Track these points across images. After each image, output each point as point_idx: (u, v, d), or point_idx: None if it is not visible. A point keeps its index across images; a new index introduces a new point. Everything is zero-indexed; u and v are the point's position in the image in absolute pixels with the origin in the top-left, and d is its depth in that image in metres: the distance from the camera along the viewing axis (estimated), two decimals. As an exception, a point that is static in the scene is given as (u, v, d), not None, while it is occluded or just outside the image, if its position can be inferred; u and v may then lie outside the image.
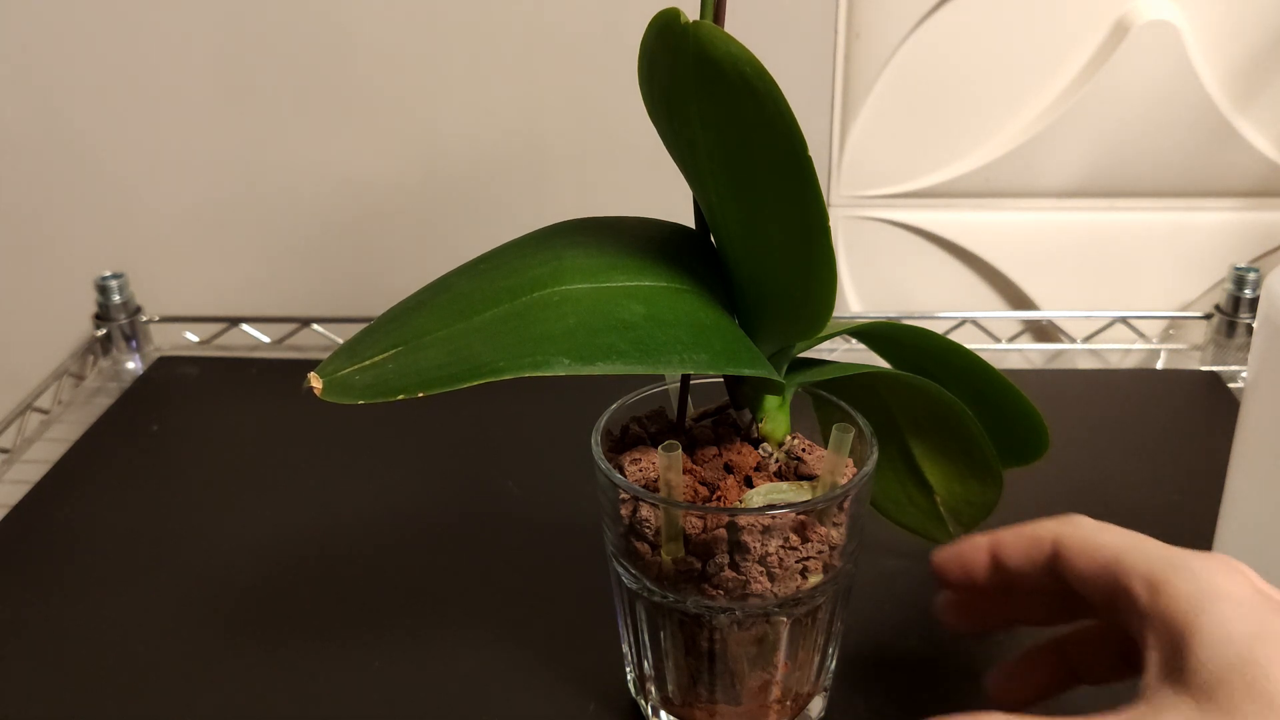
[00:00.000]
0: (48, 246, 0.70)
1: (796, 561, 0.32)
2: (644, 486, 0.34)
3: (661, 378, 0.38)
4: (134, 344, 0.69)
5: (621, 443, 0.37)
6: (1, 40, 0.65)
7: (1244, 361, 0.65)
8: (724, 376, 0.36)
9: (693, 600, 0.33)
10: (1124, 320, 0.68)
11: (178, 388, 0.65)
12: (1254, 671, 0.25)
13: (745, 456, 0.35)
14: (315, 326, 0.70)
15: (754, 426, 0.36)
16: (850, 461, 0.35)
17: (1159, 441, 0.55)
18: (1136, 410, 0.59)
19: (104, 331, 0.68)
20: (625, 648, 0.38)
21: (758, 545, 0.32)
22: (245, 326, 0.70)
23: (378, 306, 0.70)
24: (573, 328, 0.29)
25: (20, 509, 0.53)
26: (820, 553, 0.33)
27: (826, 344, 0.61)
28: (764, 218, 0.30)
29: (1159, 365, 0.67)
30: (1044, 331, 0.70)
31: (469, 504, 0.52)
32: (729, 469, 0.35)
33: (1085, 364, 0.68)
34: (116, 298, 0.68)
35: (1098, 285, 0.69)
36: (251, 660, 0.42)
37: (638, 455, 0.34)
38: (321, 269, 0.70)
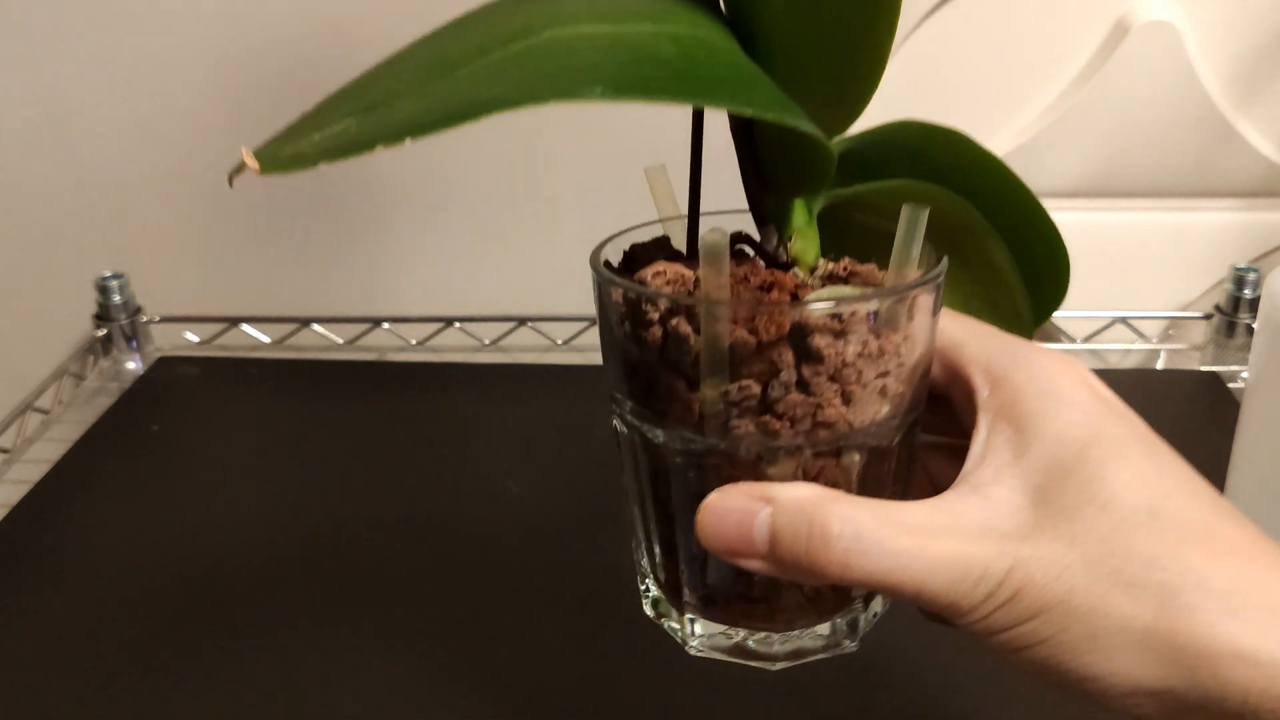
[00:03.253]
0: (48, 247, 0.70)
1: (876, 377, 0.27)
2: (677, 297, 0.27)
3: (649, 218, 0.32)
4: (134, 344, 0.69)
5: (629, 267, 0.31)
6: (1, 40, 0.65)
7: (1244, 362, 0.65)
8: (745, 183, 0.30)
9: (746, 445, 0.27)
10: (1124, 320, 0.68)
11: (178, 388, 0.65)
12: (1088, 473, 0.25)
13: (781, 279, 0.28)
14: (315, 326, 0.70)
15: (781, 249, 0.30)
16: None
17: (1159, 441, 0.55)
18: (1136, 410, 0.59)
19: (104, 332, 0.68)
20: (643, 553, 0.32)
21: (833, 352, 0.26)
22: (245, 326, 0.70)
23: (378, 306, 0.70)
24: (596, 62, 0.23)
25: (20, 509, 0.53)
26: (898, 368, 0.28)
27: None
28: None
29: (1159, 365, 0.67)
30: (1044, 331, 0.70)
31: (470, 504, 0.52)
32: (765, 290, 0.29)
33: (1085, 364, 0.68)
34: (117, 298, 0.68)
35: (1098, 285, 0.69)
36: (251, 659, 0.42)
37: (661, 268, 0.28)
38: (322, 269, 0.70)
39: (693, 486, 0.28)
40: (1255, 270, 0.66)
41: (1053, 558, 0.24)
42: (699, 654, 0.31)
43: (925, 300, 0.27)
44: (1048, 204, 0.32)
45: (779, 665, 0.31)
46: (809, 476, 0.27)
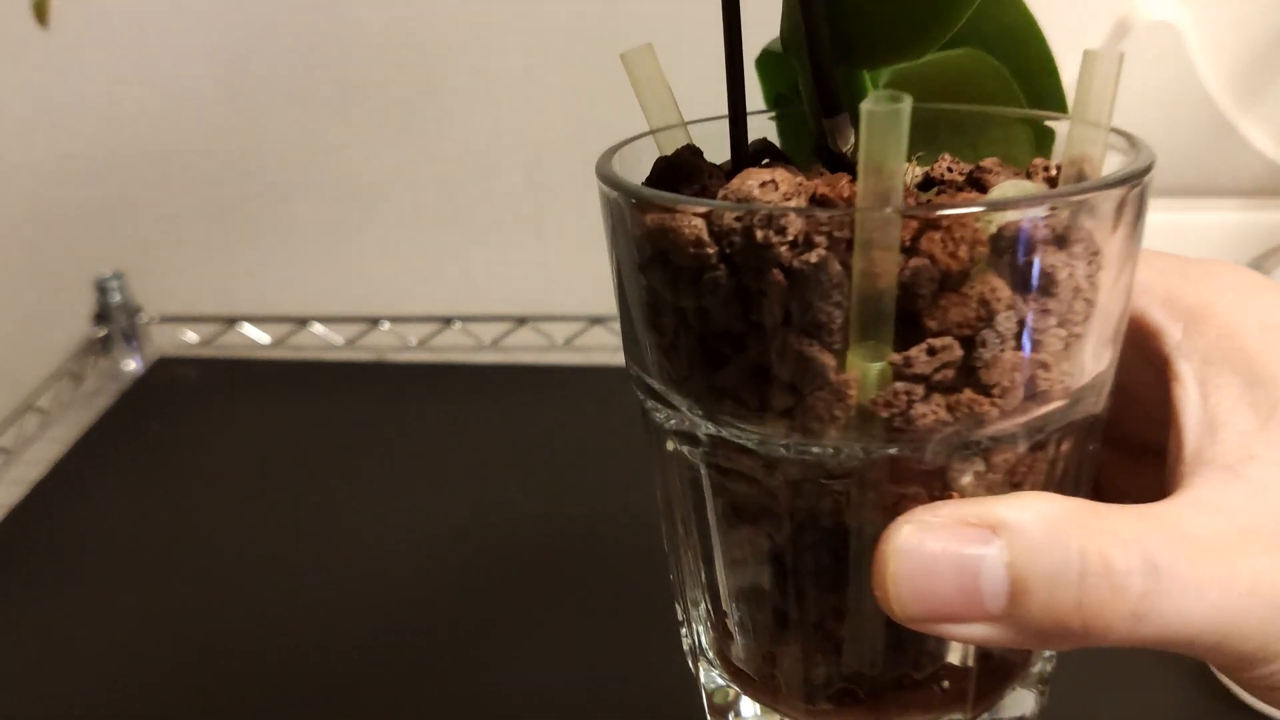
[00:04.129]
0: (47, 247, 0.70)
1: (1111, 309, 0.19)
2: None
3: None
4: (134, 345, 0.69)
5: (668, 183, 0.21)
6: (0, 40, 0.65)
7: (1245, 362, 0.64)
8: (812, 62, 0.20)
9: (936, 445, 0.18)
10: (1125, 320, 0.68)
11: (177, 388, 0.65)
12: None
13: (973, 200, 0.20)
14: (315, 326, 0.70)
15: (852, 150, 0.20)
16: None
17: (1160, 442, 0.55)
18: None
19: (104, 332, 0.68)
20: (706, 631, 0.22)
21: (1067, 275, 0.17)
22: (245, 327, 0.70)
23: (379, 306, 0.70)
24: None
25: (19, 509, 0.52)
26: (1121, 289, 0.19)
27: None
28: None
29: (1160, 366, 0.67)
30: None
31: (470, 506, 0.52)
32: None
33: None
34: (116, 298, 0.68)
35: (1098, 285, 0.69)
36: (250, 660, 0.42)
37: (766, 177, 0.18)
38: (322, 269, 0.70)
39: (828, 527, 0.19)
40: (1256, 270, 0.65)
41: None
42: None
43: (1135, 198, 0.19)
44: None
45: None
46: (1013, 483, 0.19)
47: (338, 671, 0.42)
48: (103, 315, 0.68)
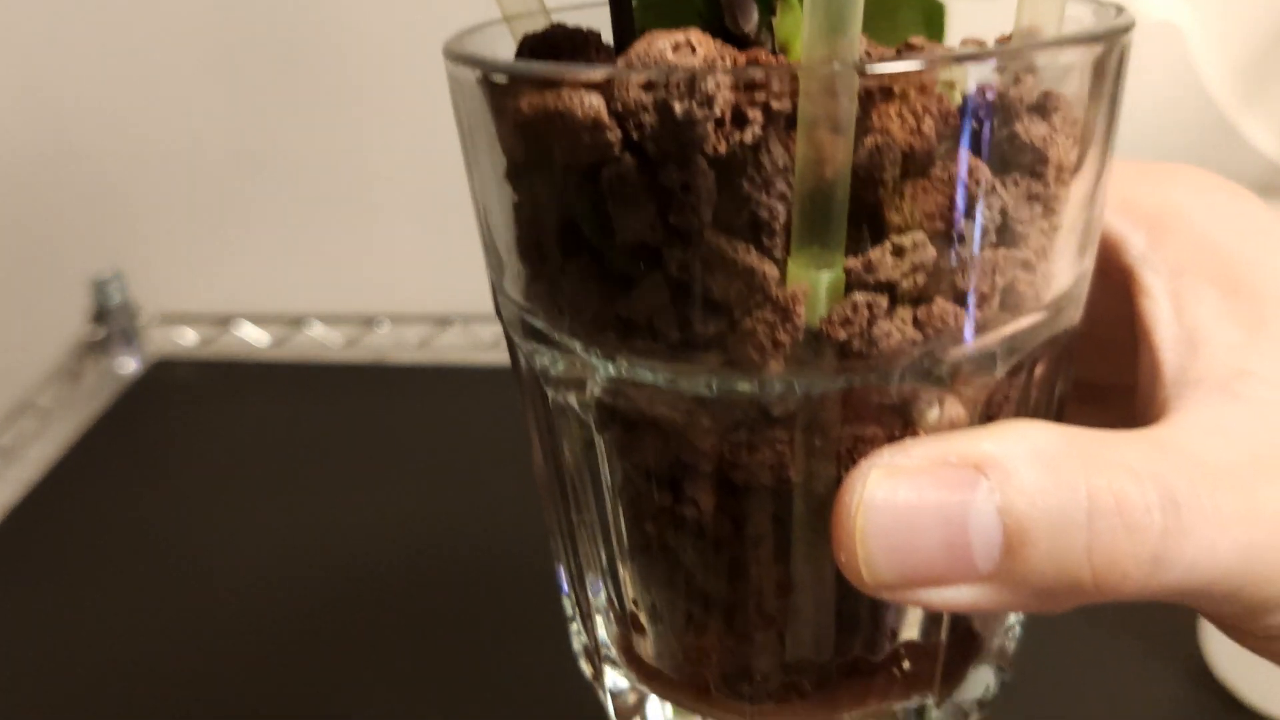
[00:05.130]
0: (46, 247, 0.70)
1: (1085, 198, 0.16)
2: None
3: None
4: (132, 345, 0.69)
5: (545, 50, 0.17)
6: (-1, 40, 0.65)
7: (1245, 362, 0.64)
8: None
9: (903, 370, 0.14)
10: (1125, 321, 0.68)
11: (175, 389, 0.64)
12: None
13: (937, 52, 0.18)
14: (314, 327, 0.70)
15: (764, 32, 0.16)
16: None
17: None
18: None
19: (102, 332, 0.68)
20: (608, 619, 0.19)
21: (1056, 152, 0.15)
22: (244, 328, 0.70)
23: (379, 306, 0.70)
24: None
25: (18, 510, 0.52)
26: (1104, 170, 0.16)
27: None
28: None
29: (1160, 366, 0.67)
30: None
31: (471, 507, 0.52)
32: None
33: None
34: (115, 299, 0.68)
35: (1099, 286, 0.69)
36: (249, 661, 0.42)
37: (678, 38, 0.14)
38: (321, 269, 0.70)
39: (765, 486, 0.15)
40: (1256, 271, 0.65)
41: None
42: None
43: (1117, 62, 0.16)
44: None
45: None
46: (989, 416, 0.15)
47: (338, 671, 0.42)
48: (101, 315, 0.68)
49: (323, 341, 0.70)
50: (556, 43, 0.16)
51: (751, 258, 0.13)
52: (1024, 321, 0.15)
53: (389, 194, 0.68)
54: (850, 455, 0.14)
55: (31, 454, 0.59)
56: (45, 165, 0.68)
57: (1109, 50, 0.16)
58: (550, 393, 0.16)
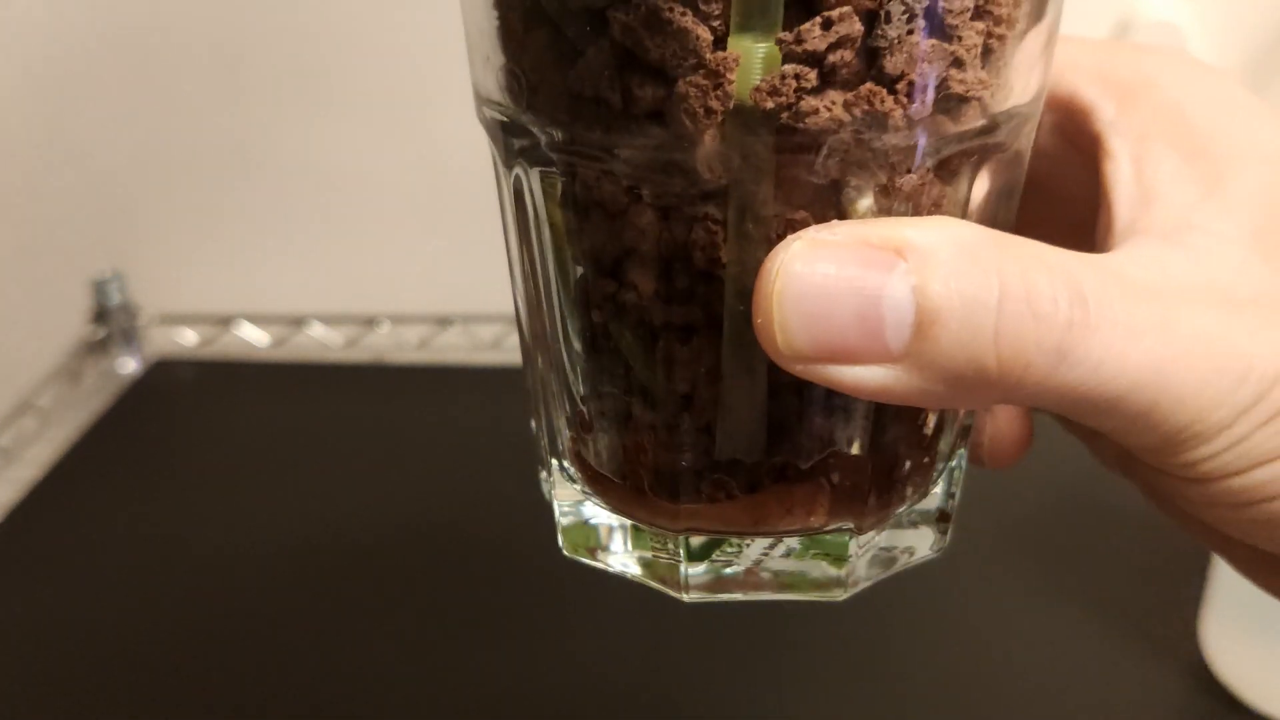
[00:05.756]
0: (46, 247, 0.70)
1: (1028, 15, 0.16)
2: None
3: None
4: (132, 345, 0.69)
5: None
6: (-1, 40, 0.64)
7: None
8: None
9: (830, 150, 0.15)
10: (1125, 321, 0.68)
11: (175, 389, 0.64)
12: None
13: None
14: (314, 328, 0.70)
15: None
16: None
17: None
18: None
19: (102, 333, 0.68)
20: (557, 413, 0.19)
21: None
22: (244, 328, 0.70)
23: (378, 306, 0.70)
24: None
25: (18, 510, 0.52)
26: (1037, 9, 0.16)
27: None
28: None
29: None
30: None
31: (470, 507, 0.52)
32: None
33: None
34: (114, 299, 0.68)
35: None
36: (248, 661, 0.42)
37: None
38: (321, 269, 0.70)
39: (699, 269, 0.15)
40: (1256, 271, 0.65)
41: None
42: (709, 599, 0.18)
43: None
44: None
45: (848, 593, 0.18)
46: (916, 214, 0.15)
47: (338, 670, 0.42)
48: (101, 315, 0.68)
49: (323, 341, 0.70)
50: None
51: (687, 20, 0.14)
52: (957, 126, 0.15)
53: (389, 195, 0.68)
54: (780, 240, 0.14)
55: (31, 454, 0.59)
56: (46, 165, 0.68)
57: None
58: (520, 182, 0.17)
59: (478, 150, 0.73)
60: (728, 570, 0.17)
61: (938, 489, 0.19)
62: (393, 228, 0.69)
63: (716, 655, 0.41)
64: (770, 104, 0.14)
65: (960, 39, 0.15)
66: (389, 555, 0.48)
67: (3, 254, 0.70)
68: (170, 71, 0.65)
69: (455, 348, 0.69)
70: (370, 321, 0.70)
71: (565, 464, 0.19)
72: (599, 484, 0.18)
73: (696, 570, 0.17)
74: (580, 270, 0.17)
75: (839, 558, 0.17)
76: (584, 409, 0.18)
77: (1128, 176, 0.17)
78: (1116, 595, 0.43)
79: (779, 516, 0.17)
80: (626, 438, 0.17)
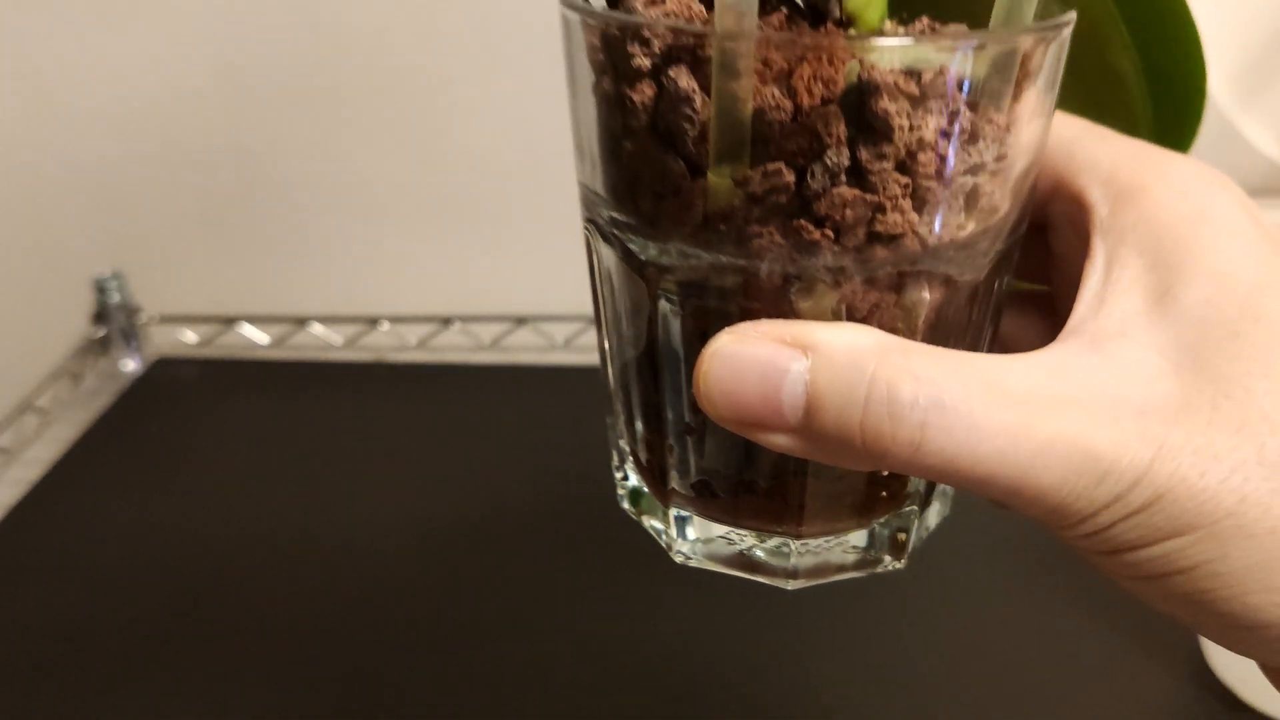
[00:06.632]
0: (47, 247, 0.70)
1: (965, 172, 0.19)
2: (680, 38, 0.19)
3: None
4: (133, 345, 0.69)
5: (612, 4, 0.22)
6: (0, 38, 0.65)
7: (1245, 362, 0.64)
8: None
9: (770, 262, 0.19)
10: (1125, 321, 0.68)
11: (176, 389, 0.64)
12: (1265, 333, 0.18)
13: (834, 41, 0.19)
14: (314, 327, 0.70)
15: (834, 3, 0.21)
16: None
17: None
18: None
19: (103, 332, 0.68)
20: (619, 424, 0.24)
21: (905, 127, 0.18)
22: (244, 327, 0.70)
23: (378, 306, 0.70)
24: None
25: (18, 509, 0.52)
26: (998, 164, 0.19)
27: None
28: None
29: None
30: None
31: (470, 505, 0.52)
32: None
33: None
34: (115, 298, 0.68)
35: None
36: (249, 660, 0.42)
37: None
38: (321, 269, 0.70)
39: (689, 327, 0.20)
40: (1256, 270, 0.65)
41: (1216, 450, 0.17)
42: (689, 563, 0.23)
43: (1042, 67, 0.19)
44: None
45: (795, 584, 0.23)
46: (855, 318, 0.19)
47: (338, 669, 0.42)
48: (102, 315, 0.68)
49: (323, 341, 0.70)
50: None
51: (669, 157, 0.19)
52: (885, 253, 0.19)
53: (389, 195, 0.68)
54: (744, 318, 0.19)
55: (32, 454, 0.59)
56: (47, 165, 0.68)
57: (998, 58, 0.18)
58: (602, 251, 0.22)
59: (478, 152, 0.74)
60: (723, 550, 0.23)
61: (900, 520, 0.23)
62: (393, 229, 0.69)
63: (715, 655, 0.41)
64: (722, 226, 0.19)
65: (883, 188, 0.18)
66: (390, 554, 0.48)
67: (4, 253, 0.70)
68: (171, 71, 0.65)
69: (455, 348, 0.70)
70: (370, 321, 0.70)
71: (628, 455, 0.24)
72: (640, 470, 0.24)
73: (684, 544, 0.23)
74: (629, 313, 0.22)
75: (784, 555, 0.23)
76: (634, 418, 0.24)
77: (1097, 277, 0.19)
78: (1117, 595, 0.43)
79: (748, 517, 0.22)
80: (653, 440, 0.23)
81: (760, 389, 0.18)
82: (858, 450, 0.17)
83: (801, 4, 0.21)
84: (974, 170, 0.19)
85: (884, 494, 0.22)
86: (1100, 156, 0.20)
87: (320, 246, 0.70)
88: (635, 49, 0.18)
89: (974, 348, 0.21)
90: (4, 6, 0.64)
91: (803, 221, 0.18)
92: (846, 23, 0.21)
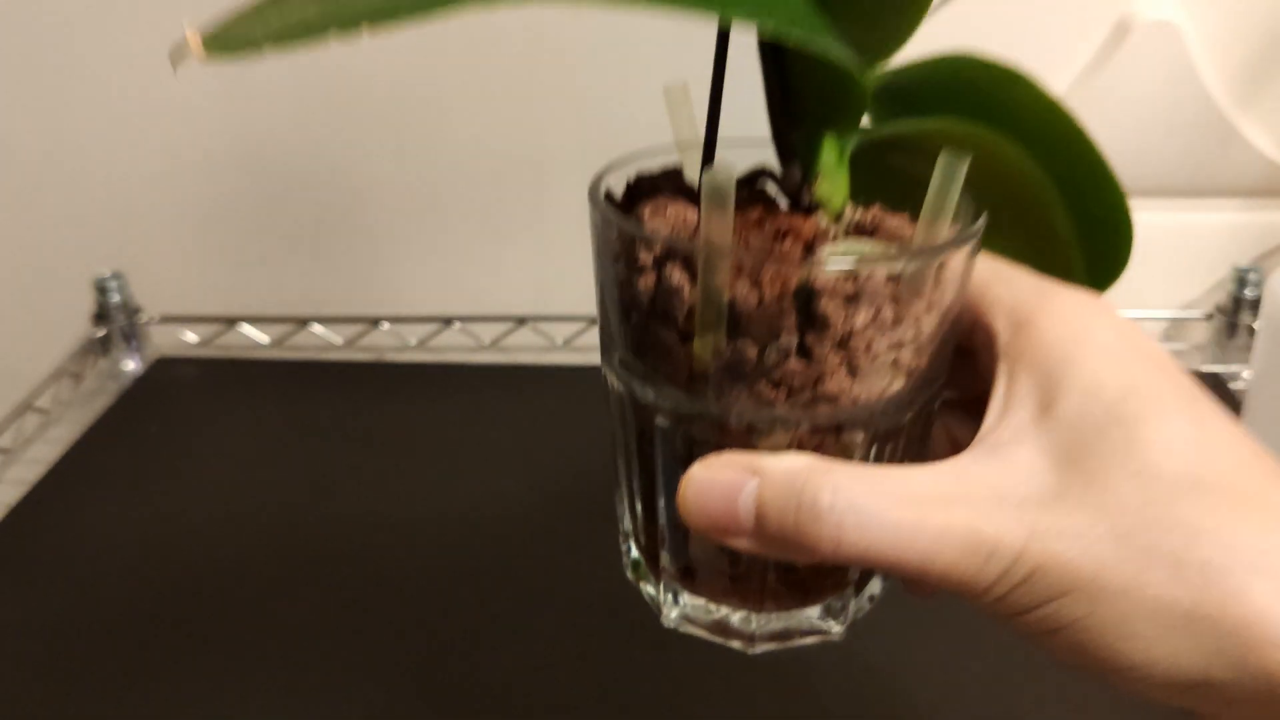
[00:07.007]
0: (47, 246, 0.70)
1: (889, 348, 0.24)
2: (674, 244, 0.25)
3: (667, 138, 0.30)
4: (133, 344, 0.69)
5: (631, 200, 0.28)
6: (0, 38, 0.65)
7: (1245, 362, 0.65)
8: (770, 113, 0.27)
9: (739, 411, 0.24)
10: (1125, 321, 0.68)
11: (176, 388, 0.64)
12: (1122, 433, 0.22)
13: (800, 223, 0.26)
14: (315, 327, 0.70)
15: (805, 190, 0.27)
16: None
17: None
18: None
19: (103, 332, 0.68)
20: (624, 509, 0.30)
21: (841, 318, 0.23)
22: (244, 327, 0.70)
23: (378, 306, 0.70)
24: None
25: (19, 509, 0.52)
26: (915, 339, 0.25)
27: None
28: None
29: (1160, 366, 0.67)
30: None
31: (470, 505, 0.52)
32: (780, 237, 0.26)
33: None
34: (115, 298, 0.68)
35: (1099, 285, 0.69)
36: (250, 660, 0.42)
37: (662, 203, 0.26)
38: (321, 269, 0.70)
39: (679, 451, 0.26)
40: (1257, 270, 0.65)
41: (1078, 529, 0.21)
42: (675, 627, 0.29)
43: (956, 264, 0.24)
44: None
45: (759, 648, 0.28)
46: (803, 450, 0.24)
47: (338, 666, 0.42)
48: (102, 315, 0.68)
49: (323, 341, 0.70)
50: (648, 185, 0.28)
51: (668, 334, 0.24)
52: (826, 408, 0.24)
53: (389, 196, 0.68)
54: (718, 448, 0.24)
55: (32, 453, 0.59)
56: (48, 167, 0.68)
57: (916, 268, 0.24)
58: (615, 385, 0.28)
59: (478, 152, 0.74)
60: (702, 618, 0.29)
61: (842, 599, 0.28)
62: (393, 229, 0.69)
63: (715, 652, 0.41)
64: (701, 386, 0.24)
65: (824, 363, 0.24)
66: (389, 553, 0.48)
67: (4, 253, 0.70)
68: (171, 72, 0.65)
69: (455, 348, 0.70)
70: (371, 321, 0.70)
71: (631, 536, 0.30)
72: (641, 550, 0.30)
73: (672, 610, 0.29)
74: (635, 434, 0.28)
75: (749, 624, 0.28)
76: (637, 511, 0.29)
77: (1000, 394, 0.24)
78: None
79: (721, 595, 0.28)
80: (649, 531, 0.29)
81: (723, 505, 0.23)
82: (795, 546, 0.22)
83: (779, 190, 0.27)
84: (897, 346, 0.24)
85: (828, 580, 0.28)
86: (1004, 294, 0.25)
87: (321, 246, 0.70)
88: (640, 250, 0.24)
89: (907, 461, 0.26)
90: (4, 5, 0.64)
91: (762, 384, 0.24)
92: (814, 208, 0.26)
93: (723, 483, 0.23)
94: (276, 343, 0.71)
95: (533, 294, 0.70)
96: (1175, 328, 0.70)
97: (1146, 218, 0.68)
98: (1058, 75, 0.63)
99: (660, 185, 0.28)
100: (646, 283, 0.24)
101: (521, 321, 0.69)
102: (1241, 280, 0.65)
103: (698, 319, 0.24)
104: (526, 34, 0.63)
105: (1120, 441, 0.22)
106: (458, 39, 0.63)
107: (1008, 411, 0.24)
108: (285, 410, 0.61)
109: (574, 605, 0.45)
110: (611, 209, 0.26)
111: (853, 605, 0.29)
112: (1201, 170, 0.65)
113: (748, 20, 0.21)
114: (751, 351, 0.24)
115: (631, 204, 0.27)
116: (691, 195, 0.27)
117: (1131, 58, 0.61)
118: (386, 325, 0.70)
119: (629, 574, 0.30)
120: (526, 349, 0.70)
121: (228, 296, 0.71)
